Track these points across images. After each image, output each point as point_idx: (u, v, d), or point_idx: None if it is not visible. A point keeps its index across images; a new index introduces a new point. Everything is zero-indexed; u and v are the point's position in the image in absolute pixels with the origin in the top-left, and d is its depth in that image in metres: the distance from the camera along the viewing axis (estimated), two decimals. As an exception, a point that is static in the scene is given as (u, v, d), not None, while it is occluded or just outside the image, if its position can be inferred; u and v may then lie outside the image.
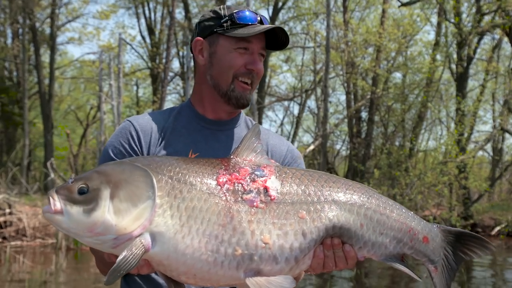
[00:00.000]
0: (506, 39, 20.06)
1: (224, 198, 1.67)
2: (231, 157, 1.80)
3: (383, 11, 22.40)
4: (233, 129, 2.21)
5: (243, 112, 2.29)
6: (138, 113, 27.01)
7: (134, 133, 2.11)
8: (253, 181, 1.71)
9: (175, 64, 40.67)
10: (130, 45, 30.21)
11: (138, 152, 2.09)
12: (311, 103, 40.70)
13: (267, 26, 2.07)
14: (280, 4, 26.15)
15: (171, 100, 30.74)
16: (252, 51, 2.09)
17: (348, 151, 24.89)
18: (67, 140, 32.02)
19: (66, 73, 36.51)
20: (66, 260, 13.61)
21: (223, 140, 2.17)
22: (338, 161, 31.82)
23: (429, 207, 18.73)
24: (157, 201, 1.63)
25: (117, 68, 20.65)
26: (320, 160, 20.75)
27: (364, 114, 23.69)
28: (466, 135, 19.45)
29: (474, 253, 1.95)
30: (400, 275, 11.80)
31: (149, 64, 28.28)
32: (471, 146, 21.34)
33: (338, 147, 31.95)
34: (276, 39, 2.14)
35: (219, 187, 1.69)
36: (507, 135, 22.17)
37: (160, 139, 2.12)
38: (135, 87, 35.07)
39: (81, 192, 1.62)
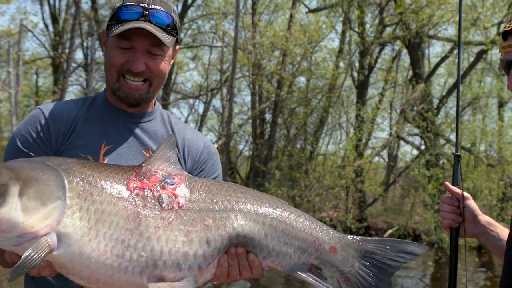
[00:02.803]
0: (405, 51, 20.92)
1: (133, 203, 1.65)
2: (143, 165, 1.78)
3: (291, 16, 22.74)
4: (147, 122, 2.16)
5: (158, 104, 2.23)
6: (37, 103, 26.07)
7: (43, 122, 2.03)
8: (163, 188, 1.71)
9: (79, 55, 39.58)
10: (32, 32, 29.02)
11: (47, 142, 2.01)
12: (216, 102, 40.68)
13: (136, 24, 1.95)
14: (189, 1, 26.01)
15: (72, 92, 29.81)
16: (135, 50, 2.01)
17: (251, 152, 25.11)
18: (-41, 127, 30.38)
19: (-40, 57, 34.61)
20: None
21: (137, 133, 2.12)
22: (241, 161, 32.00)
23: (327, 209, 19.21)
24: (67, 202, 1.58)
25: (17, 55, 19.85)
26: (222, 160, 20.82)
27: (268, 116, 23.97)
28: (364, 141, 20.11)
29: (401, 258, 1.89)
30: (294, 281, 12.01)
31: (51, 53, 27.27)
32: (368, 151, 22.07)
33: (241, 147, 32.18)
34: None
35: (128, 192, 1.67)
36: (402, 142, 23.11)
37: (71, 129, 2.04)
38: (35, 76, 33.76)
39: None
